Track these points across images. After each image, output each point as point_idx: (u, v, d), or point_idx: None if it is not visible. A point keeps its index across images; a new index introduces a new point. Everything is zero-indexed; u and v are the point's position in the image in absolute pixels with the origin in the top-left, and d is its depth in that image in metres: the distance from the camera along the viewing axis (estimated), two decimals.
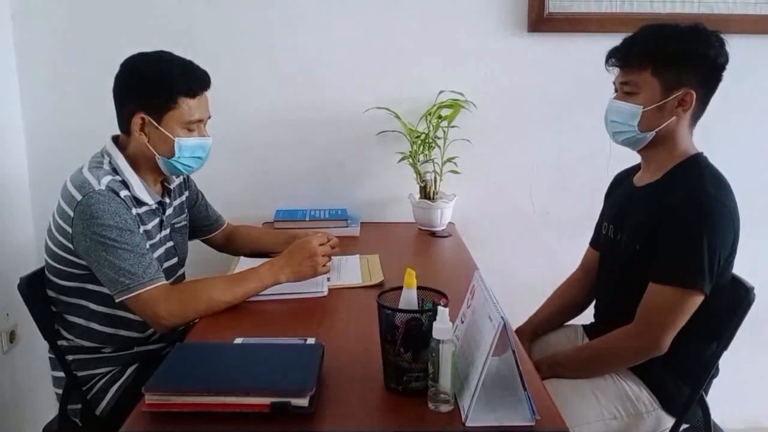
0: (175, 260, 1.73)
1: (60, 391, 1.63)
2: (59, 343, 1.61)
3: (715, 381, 1.61)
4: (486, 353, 0.99)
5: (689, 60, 1.47)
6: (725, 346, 1.53)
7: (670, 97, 1.49)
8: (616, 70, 1.58)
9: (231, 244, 1.96)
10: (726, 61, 1.49)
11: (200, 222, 1.90)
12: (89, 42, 2.21)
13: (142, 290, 1.45)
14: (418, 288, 1.15)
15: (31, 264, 2.20)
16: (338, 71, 2.25)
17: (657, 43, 1.50)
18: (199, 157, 1.63)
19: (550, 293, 1.91)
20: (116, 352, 1.61)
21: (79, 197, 1.46)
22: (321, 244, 1.61)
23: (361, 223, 2.21)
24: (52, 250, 1.55)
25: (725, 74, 1.51)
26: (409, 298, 1.13)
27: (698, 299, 1.43)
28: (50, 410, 2.34)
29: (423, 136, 2.18)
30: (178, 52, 1.60)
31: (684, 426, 1.56)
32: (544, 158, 2.33)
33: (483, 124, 2.25)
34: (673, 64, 1.47)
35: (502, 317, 0.97)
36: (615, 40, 1.57)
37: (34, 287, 1.59)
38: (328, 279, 1.66)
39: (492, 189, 2.34)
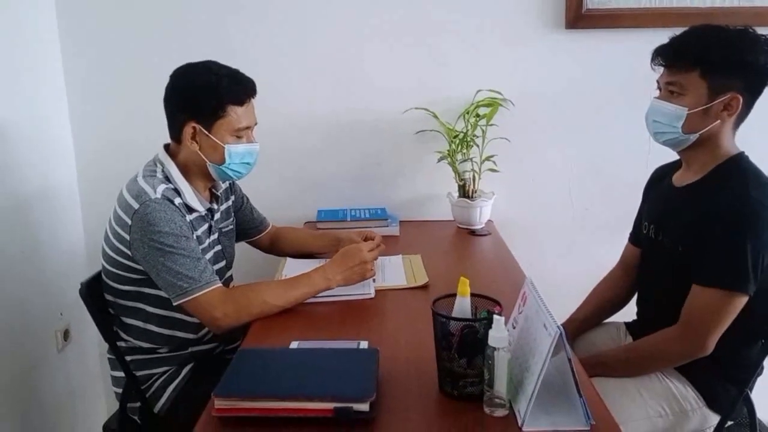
0: (223, 263, 1.78)
1: (119, 390, 1.69)
2: (118, 344, 1.68)
3: (759, 378, 1.62)
4: (543, 361, 1.02)
5: (738, 66, 1.46)
6: None
7: (716, 101, 1.48)
8: (660, 69, 1.57)
9: (276, 246, 2.01)
10: None
11: (246, 225, 1.95)
12: (134, 52, 2.27)
13: (200, 293, 1.50)
14: (471, 295, 1.18)
15: (82, 267, 2.31)
16: (376, 73, 2.28)
17: (707, 46, 1.48)
18: (248, 163, 1.67)
19: (589, 290, 1.92)
20: (172, 353, 1.68)
21: (136, 206, 1.52)
22: (370, 250, 1.65)
23: (400, 221, 2.24)
24: (110, 255, 1.61)
25: None
26: (462, 306, 1.17)
27: (742, 300, 1.44)
28: (102, 407, 2.45)
29: (461, 135, 2.20)
30: (219, 60, 1.64)
31: (729, 423, 1.57)
32: (582, 155, 2.34)
33: (521, 123, 2.26)
34: (722, 69, 1.47)
35: (558, 327, 1.00)
36: (654, 35, 1.57)
37: (93, 291, 1.65)
38: (374, 280, 1.70)
39: (531, 187, 2.36)
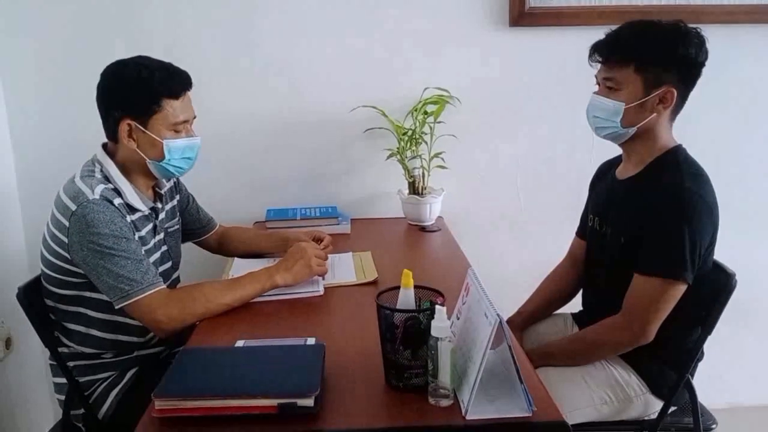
0: (169, 264, 1.75)
1: (62, 397, 1.64)
2: (60, 350, 1.63)
3: (699, 364, 1.67)
4: (484, 349, 1.03)
5: (672, 60, 1.51)
6: (709, 331, 1.59)
7: (652, 95, 1.52)
8: (598, 65, 1.61)
9: (224, 246, 1.98)
10: (706, 58, 1.52)
11: (192, 225, 1.92)
12: (73, 51, 2.21)
13: (141, 296, 1.47)
14: (415, 287, 1.19)
15: (24, 273, 2.23)
16: (323, 71, 2.27)
17: (641, 42, 1.52)
18: (188, 158, 1.64)
19: (538, 283, 1.96)
20: (116, 357, 1.64)
21: (73, 207, 1.47)
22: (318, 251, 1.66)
23: (351, 219, 2.24)
24: (48, 259, 1.56)
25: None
26: (406, 298, 1.17)
27: (681, 288, 1.49)
28: (47, 416, 2.37)
29: (410, 133, 2.21)
30: (162, 57, 1.61)
31: (672, 408, 1.62)
32: (529, 151, 2.37)
33: (468, 119, 2.28)
34: (656, 63, 1.51)
35: (497, 315, 1.02)
36: (596, 33, 1.60)
37: (31, 296, 1.60)
38: (323, 278, 1.69)
39: (479, 182, 2.38)
